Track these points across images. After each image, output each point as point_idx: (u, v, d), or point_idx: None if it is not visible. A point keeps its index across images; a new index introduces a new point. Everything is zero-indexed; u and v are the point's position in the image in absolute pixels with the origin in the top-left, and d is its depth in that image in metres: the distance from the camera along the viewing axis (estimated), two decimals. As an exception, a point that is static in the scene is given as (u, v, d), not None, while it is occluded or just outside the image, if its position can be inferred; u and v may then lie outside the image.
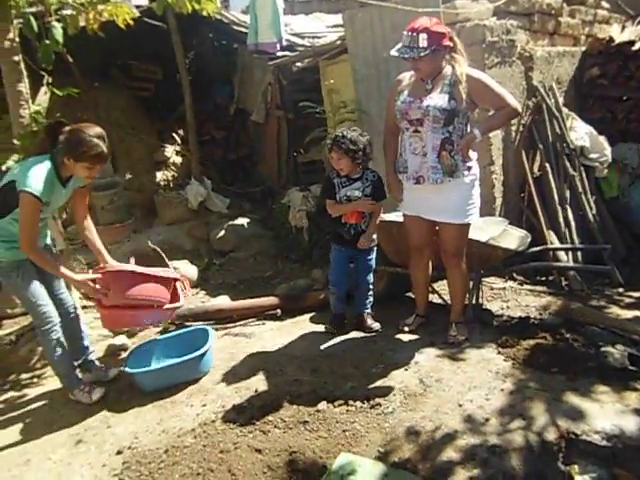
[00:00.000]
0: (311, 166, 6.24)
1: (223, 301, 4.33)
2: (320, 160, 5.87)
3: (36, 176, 2.69)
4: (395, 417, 2.56)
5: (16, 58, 3.58)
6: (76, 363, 3.16)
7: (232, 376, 3.09)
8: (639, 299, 3.85)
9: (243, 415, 2.69)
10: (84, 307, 4.38)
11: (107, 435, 2.72)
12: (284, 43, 5.36)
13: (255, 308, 3.99)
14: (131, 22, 3.94)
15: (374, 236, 3.46)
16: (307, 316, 3.91)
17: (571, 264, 4.10)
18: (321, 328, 3.62)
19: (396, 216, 3.53)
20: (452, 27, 4.16)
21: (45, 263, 2.84)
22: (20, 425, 2.92)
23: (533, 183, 4.49)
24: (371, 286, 3.55)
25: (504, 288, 4.10)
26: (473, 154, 2.99)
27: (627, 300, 3.84)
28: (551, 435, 2.34)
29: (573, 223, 4.34)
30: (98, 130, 2.78)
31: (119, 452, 2.56)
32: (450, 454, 2.29)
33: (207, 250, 5.75)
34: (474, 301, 3.58)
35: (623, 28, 5.21)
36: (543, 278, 4.30)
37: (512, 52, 4.37)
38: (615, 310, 3.65)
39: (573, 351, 3.00)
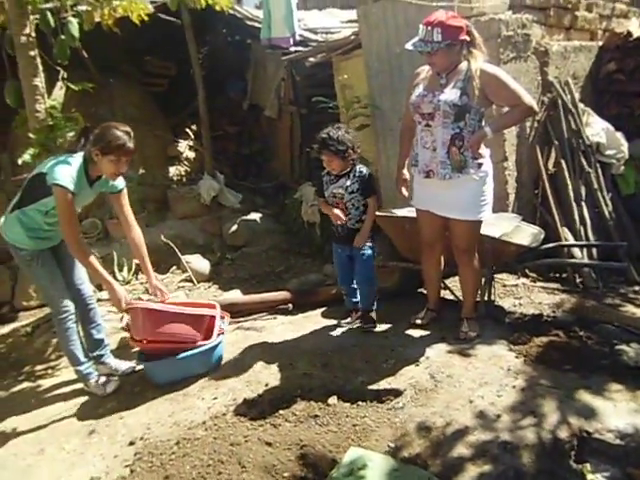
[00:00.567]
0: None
1: (235, 295, 4.36)
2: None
3: (66, 170, 2.76)
4: (405, 412, 2.56)
5: (32, 53, 3.62)
6: (91, 355, 3.20)
7: (243, 370, 3.11)
8: (655, 297, 3.81)
9: (254, 409, 2.71)
10: (99, 300, 4.43)
11: (119, 426, 2.76)
12: (297, 38, 5.36)
13: (267, 302, 4.01)
14: (145, 18, 3.97)
15: (366, 243, 3.38)
16: (319, 311, 3.91)
17: (585, 261, 4.05)
18: (333, 322, 3.62)
19: (408, 211, 3.53)
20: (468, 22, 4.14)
21: (88, 263, 2.87)
22: (35, 415, 2.97)
23: (547, 180, 4.44)
24: (371, 284, 3.48)
25: (517, 285, 4.07)
26: (485, 151, 2.96)
27: (643, 298, 3.80)
28: (563, 433, 2.33)
29: (588, 220, 4.29)
30: (126, 127, 2.86)
31: (131, 443, 2.59)
32: (461, 450, 2.29)
33: (219, 245, 5.79)
34: (486, 297, 3.57)
35: (641, 22, 5.14)
36: (557, 275, 4.26)
37: (527, 47, 4.32)
38: (630, 308, 3.61)
39: (586, 349, 2.97)
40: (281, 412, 2.63)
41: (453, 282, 3.84)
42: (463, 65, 2.87)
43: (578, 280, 4.06)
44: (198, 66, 6.17)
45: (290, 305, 4.00)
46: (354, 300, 3.58)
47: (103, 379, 3.10)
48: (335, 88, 5.31)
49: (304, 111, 6.18)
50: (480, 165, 2.93)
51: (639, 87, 4.75)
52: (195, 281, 5.01)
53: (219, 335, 3.14)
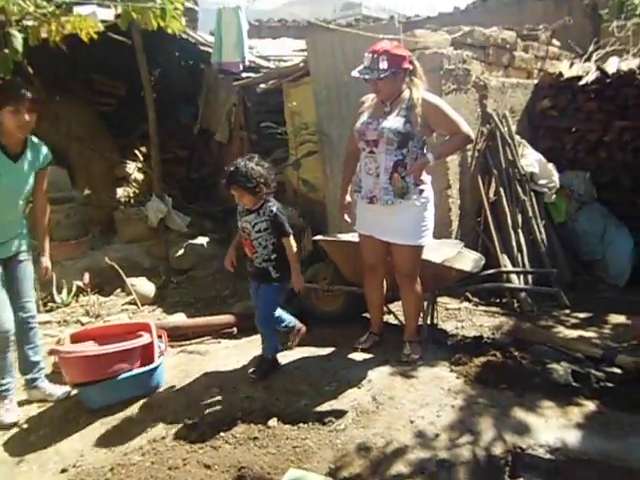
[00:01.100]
0: (273, 187, 6.27)
1: (179, 318, 4.28)
2: (282, 181, 5.92)
3: None
4: (347, 434, 2.57)
5: (-27, 66, 3.51)
6: (25, 378, 3.06)
7: (185, 393, 3.05)
8: (583, 320, 4.00)
9: (194, 432, 2.67)
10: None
11: (51, 453, 2.64)
12: (247, 63, 5.44)
13: (211, 326, 3.96)
14: (95, 36, 3.93)
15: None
16: (263, 334, 3.88)
17: (520, 286, 4.24)
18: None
19: (352, 236, 3.59)
20: (412, 54, 4.32)
21: None
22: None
23: (489, 207, 4.63)
24: (266, 326, 3.17)
25: (459, 309, 4.19)
26: (427, 177, 3.07)
27: (572, 321, 3.98)
28: (498, 449, 2.40)
29: (525, 247, 4.49)
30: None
31: (63, 470, 2.50)
32: (400, 468, 2.31)
33: (165, 268, 5.68)
34: (429, 321, 3.65)
35: (572, 64, 5.48)
36: (497, 299, 4.42)
37: (467, 80, 4.55)
38: (562, 330, 3.78)
39: (521, 368, 3.09)
40: (221, 434, 2.60)
41: (397, 307, 3.92)
42: (406, 94, 2.99)
43: (516, 304, 4.23)
44: (149, 87, 6.12)
45: (234, 329, 3.96)
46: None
47: (8, 405, 2.92)
48: (285, 114, 5.40)
49: (254, 137, 6.23)
50: (422, 191, 3.02)
51: (570, 123, 5.07)
52: (139, 304, 4.89)
53: (160, 356, 3.08)
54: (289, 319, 3.33)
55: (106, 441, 2.68)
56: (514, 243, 4.47)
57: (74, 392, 3.11)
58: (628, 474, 2.23)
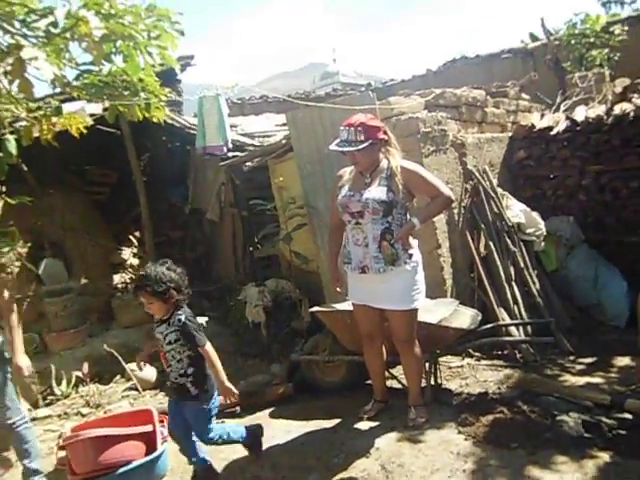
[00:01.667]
0: (267, 261, 6.35)
1: (181, 402, 4.21)
2: (276, 255, 6.01)
3: None
4: (358, 507, 2.50)
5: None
6: None
7: (190, 479, 2.97)
8: (588, 365, 3.97)
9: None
10: (34, 419, 4.19)
11: None
12: (230, 145, 5.64)
13: (214, 407, 3.89)
14: (84, 131, 4.10)
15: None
16: (267, 411, 3.84)
17: (518, 337, 4.23)
18: (281, 423, 3.54)
19: (348, 305, 3.60)
20: (388, 120, 4.49)
21: None
22: None
23: (480, 262, 4.67)
24: (205, 440, 2.87)
25: (462, 366, 4.16)
26: (413, 241, 3.13)
27: (578, 367, 3.96)
28: (515, 512, 2.33)
29: (520, 299, 4.51)
30: None
31: None
32: (415, 543, 2.23)
33: (166, 351, 5.64)
34: (432, 382, 3.62)
35: (542, 115, 5.71)
36: (499, 352, 4.38)
37: (445, 140, 4.70)
38: (568, 377, 3.75)
39: (530, 423, 3.04)
40: (230, 521, 2.52)
41: (399, 371, 3.88)
42: (384, 163, 3.10)
43: (518, 356, 4.19)
44: (139, 173, 6.32)
45: (237, 408, 3.89)
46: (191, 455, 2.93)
47: None
48: (272, 190, 5.54)
49: (245, 213, 6.36)
50: (411, 256, 3.08)
51: (547, 171, 5.23)
52: (140, 389, 4.82)
53: (163, 443, 3.02)
54: (233, 432, 2.99)
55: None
56: (509, 296, 4.49)
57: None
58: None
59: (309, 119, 4.74)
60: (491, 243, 4.68)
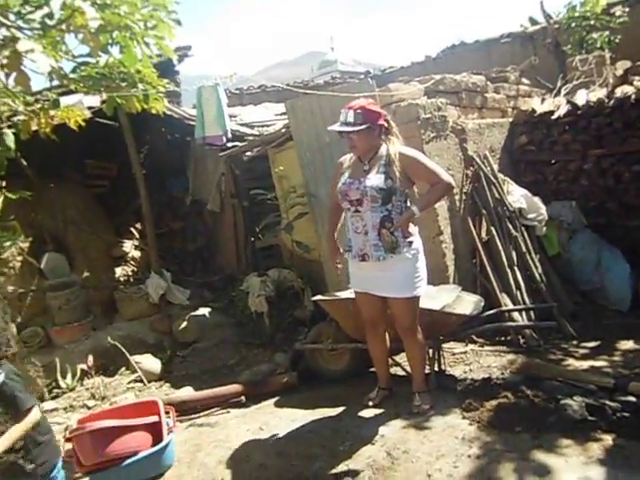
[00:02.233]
0: (269, 251, 6.35)
1: (186, 392, 4.24)
2: (277, 244, 6.01)
3: None
4: (365, 494, 2.52)
5: (-32, 165, 3.63)
6: None
7: (197, 467, 3.01)
8: (592, 349, 3.98)
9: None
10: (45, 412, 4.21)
11: None
12: (229, 135, 5.62)
13: (218, 397, 3.92)
14: (83, 123, 4.08)
15: None
16: (272, 401, 3.86)
17: (521, 323, 4.22)
18: (285, 411, 3.56)
19: (350, 293, 3.60)
20: (388, 107, 4.47)
21: None
22: None
23: (482, 248, 4.66)
24: None
25: (465, 352, 4.16)
26: (413, 229, 3.12)
27: (581, 351, 3.96)
28: (520, 496, 2.34)
29: (522, 284, 4.51)
30: None
31: None
32: (422, 527, 2.25)
33: (170, 342, 5.67)
34: (436, 368, 3.63)
35: (543, 100, 5.67)
36: (502, 338, 4.39)
37: (445, 126, 4.68)
38: (571, 362, 3.76)
39: (534, 407, 3.04)
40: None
41: (403, 358, 3.89)
42: (383, 150, 3.08)
43: (521, 341, 4.20)
44: (139, 165, 6.29)
45: (243, 397, 3.92)
46: None
47: None
48: (273, 179, 5.53)
49: (246, 203, 6.35)
50: (411, 243, 3.07)
51: (548, 156, 5.20)
52: (145, 381, 4.85)
53: (169, 434, 3.04)
54: None
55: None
56: (512, 281, 4.49)
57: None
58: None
59: (308, 107, 4.71)
60: (493, 229, 4.67)
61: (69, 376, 4.85)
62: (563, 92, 5.74)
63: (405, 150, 3.09)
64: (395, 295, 3.10)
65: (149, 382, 4.86)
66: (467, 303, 3.73)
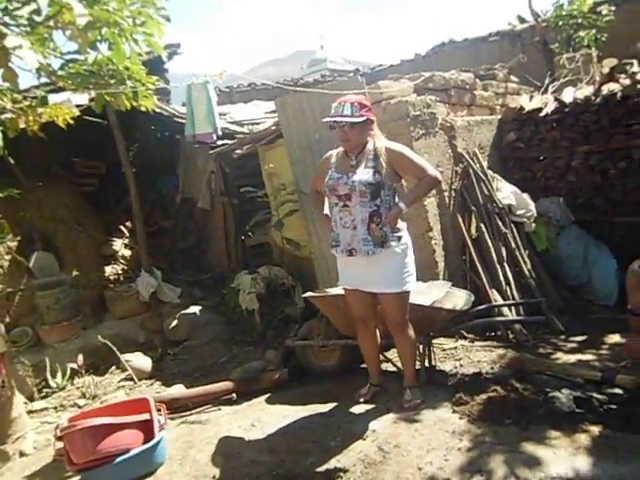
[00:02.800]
0: (260, 249, 6.35)
1: (178, 390, 4.23)
2: (267, 242, 6.01)
3: None
4: (356, 488, 2.53)
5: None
6: None
7: (189, 464, 3.00)
8: (580, 343, 4.03)
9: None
10: (31, 412, 4.20)
11: None
12: (219, 133, 5.62)
13: (210, 394, 3.91)
14: (71, 121, 4.05)
15: None
16: (263, 397, 3.86)
17: (510, 317, 4.26)
18: (277, 408, 3.57)
19: (341, 289, 3.62)
20: (378, 104, 4.49)
21: None
22: None
23: (472, 244, 4.70)
24: None
25: (455, 347, 4.19)
26: (402, 224, 3.14)
27: (569, 345, 4.01)
28: (510, 487, 2.37)
29: (512, 280, 4.55)
30: None
31: None
32: (412, 519, 2.27)
33: (161, 341, 5.65)
34: (426, 364, 3.66)
35: (531, 97, 5.71)
36: (492, 333, 4.43)
37: (434, 123, 4.70)
38: (560, 356, 3.80)
39: (523, 400, 3.07)
40: (229, 505, 2.54)
41: (393, 354, 3.92)
42: (369, 145, 3.10)
43: (511, 336, 4.24)
44: (128, 164, 6.26)
45: (234, 395, 3.92)
46: None
47: None
48: (263, 177, 5.53)
49: (236, 201, 6.35)
50: (400, 238, 3.09)
51: (536, 153, 5.25)
52: (136, 379, 4.83)
53: (160, 431, 3.04)
54: None
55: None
56: (501, 277, 4.53)
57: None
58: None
59: (298, 105, 4.72)
60: (482, 225, 4.71)
61: (59, 375, 4.82)
62: (551, 90, 5.79)
63: (391, 145, 3.13)
64: (385, 290, 3.12)
65: (140, 380, 4.84)
66: (457, 299, 3.75)
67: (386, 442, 2.87)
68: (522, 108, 5.30)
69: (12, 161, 5.69)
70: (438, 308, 3.54)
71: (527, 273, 4.63)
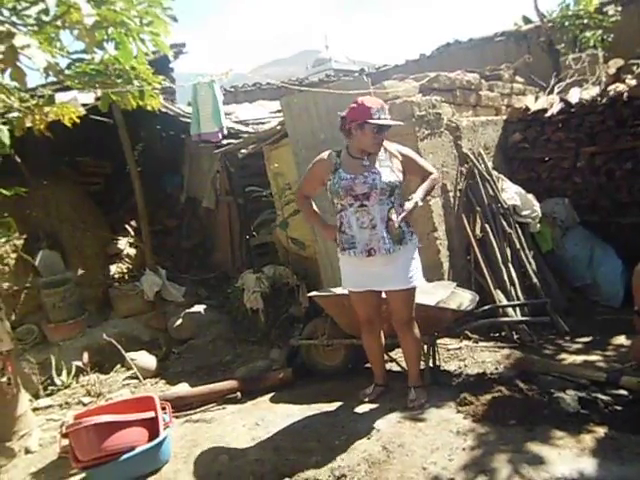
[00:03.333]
0: (264, 248, 6.36)
1: (182, 388, 4.25)
2: (272, 242, 6.02)
3: None
4: (360, 488, 2.54)
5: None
6: None
7: (193, 463, 3.01)
8: (585, 344, 4.02)
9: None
10: (36, 409, 4.22)
11: None
12: (225, 132, 5.63)
13: (214, 393, 3.93)
14: (77, 120, 4.06)
15: None
16: (267, 396, 3.86)
17: (514, 318, 4.26)
18: (281, 407, 3.58)
19: (345, 290, 3.61)
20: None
21: None
22: None
23: (477, 244, 4.69)
24: None
25: (460, 348, 4.18)
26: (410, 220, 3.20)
27: (574, 346, 4.01)
28: (514, 487, 2.37)
29: (516, 280, 4.54)
30: None
31: None
32: (417, 519, 2.27)
33: (166, 339, 5.67)
34: (431, 364, 3.65)
35: (537, 98, 5.71)
36: (496, 334, 4.42)
37: (440, 124, 4.70)
38: (565, 357, 3.80)
39: (528, 401, 3.07)
40: (234, 503, 2.55)
41: (398, 353, 3.92)
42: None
43: (515, 336, 4.23)
44: (133, 163, 6.29)
45: (238, 393, 3.93)
46: None
47: None
48: (268, 176, 5.54)
49: (241, 201, 6.36)
50: (412, 233, 3.17)
51: (542, 154, 5.24)
52: (141, 378, 4.85)
53: (165, 429, 3.05)
54: None
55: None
56: (506, 277, 4.52)
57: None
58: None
59: (304, 104, 4.72)
60: (487, 225, 4.70)
61: (64, 373, 4.85)
62: (556, 90, 5.78)
63: (400, 147, 3.23)
64: (396, 287, 3.13)
65: (144, 379, 4.86)
66: (462, 299, 3.75)
67: (390, 441, 2.87)
68: (527, 109, 5.29)
69: (19, 160, 5.72)
70: (443, 308, 3.54)
71: (532, 274, 4.62)
